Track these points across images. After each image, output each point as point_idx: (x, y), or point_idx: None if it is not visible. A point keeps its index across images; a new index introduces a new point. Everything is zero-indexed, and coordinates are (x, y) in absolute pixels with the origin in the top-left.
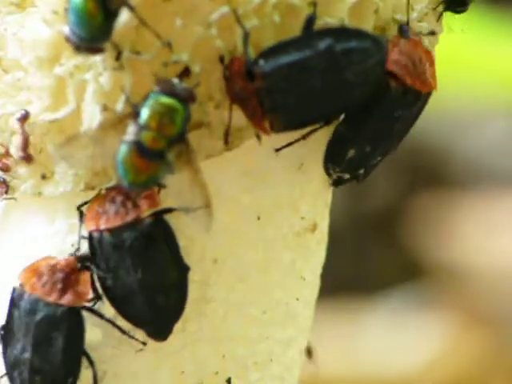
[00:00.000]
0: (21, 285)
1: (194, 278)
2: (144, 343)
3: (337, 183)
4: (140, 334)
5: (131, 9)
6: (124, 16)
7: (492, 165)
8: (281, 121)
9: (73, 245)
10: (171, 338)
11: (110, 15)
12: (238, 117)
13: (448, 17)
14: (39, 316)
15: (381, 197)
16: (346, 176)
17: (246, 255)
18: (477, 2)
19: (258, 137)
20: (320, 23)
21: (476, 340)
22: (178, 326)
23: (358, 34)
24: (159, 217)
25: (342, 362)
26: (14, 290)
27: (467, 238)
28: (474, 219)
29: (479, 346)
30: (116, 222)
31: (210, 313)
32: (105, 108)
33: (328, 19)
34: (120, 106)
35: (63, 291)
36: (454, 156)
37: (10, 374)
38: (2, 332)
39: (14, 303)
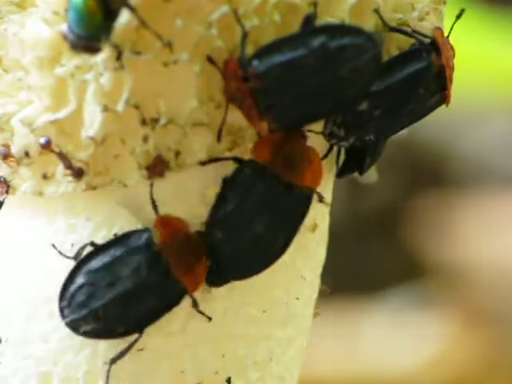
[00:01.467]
0: None
1: None
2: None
3: (340, 173)
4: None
5: (132, 9)
6: (125, 16)
7: (492, 164)
8: (277, 120)
9: (73, 245)
10: (171, 338)
11: (110, 15)
12: (240, 116)
13: (448, 16)
14: None
15: (381, 197)
16: (341, 133)
17: None
18: (477, 2)
19: (259, 136)
20: (320, 23)
21: (476, 340)
22: (177, 326)
23: (352, 30)
24: (312, 193)
25: (341, 361)
26: None
27: (467, 237)
28: (475, 219)
29: (479, 346)
30: (283, 173)
31: (210, 312)
32: (105, 108)
33: (328, 19)
34: (121, 106)
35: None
36: (454, 156)
37: None
38: None
39: None
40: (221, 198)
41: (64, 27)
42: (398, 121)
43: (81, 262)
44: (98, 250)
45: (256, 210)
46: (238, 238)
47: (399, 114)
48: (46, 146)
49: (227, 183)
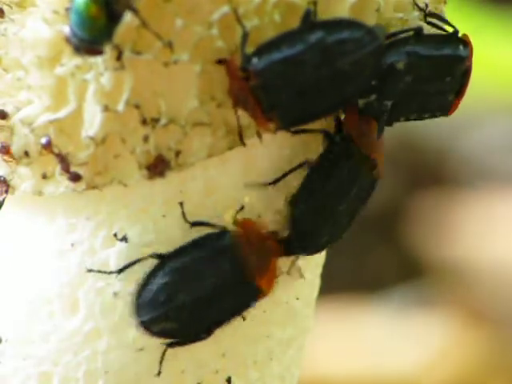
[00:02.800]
0: None
1: None
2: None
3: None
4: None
5: (136, 12)
6: (125, 16)
7: (492, 164)
8: (281, 118)
9: (73, 244)
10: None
11: (113, 18)
12: (240, 115)
13: (448, 16)
14: None
15: (381, 196)
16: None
17: None
18: (477, 2)
19: (259, 135)
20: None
21: (476, 340)
22: None
23: (350, 24)
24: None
25: (341, 361)
26: None
27: (467, 236)
28: (475, 218)
29: (480, 346)
30: (367, 153)
31: None
32: (106, 108)
33: None
34: (121, 106)
35: None
36: (454, 155)
37: None
38: None
39: None
40: (312, 174)
41: (66, 30)
42: (416, 100)
43: (162, 262)
44: (179, 250)
45: (344, 186)
46: (323, 211)
47: (421, 92)
48: (47, 146)
49: (321, 158)
